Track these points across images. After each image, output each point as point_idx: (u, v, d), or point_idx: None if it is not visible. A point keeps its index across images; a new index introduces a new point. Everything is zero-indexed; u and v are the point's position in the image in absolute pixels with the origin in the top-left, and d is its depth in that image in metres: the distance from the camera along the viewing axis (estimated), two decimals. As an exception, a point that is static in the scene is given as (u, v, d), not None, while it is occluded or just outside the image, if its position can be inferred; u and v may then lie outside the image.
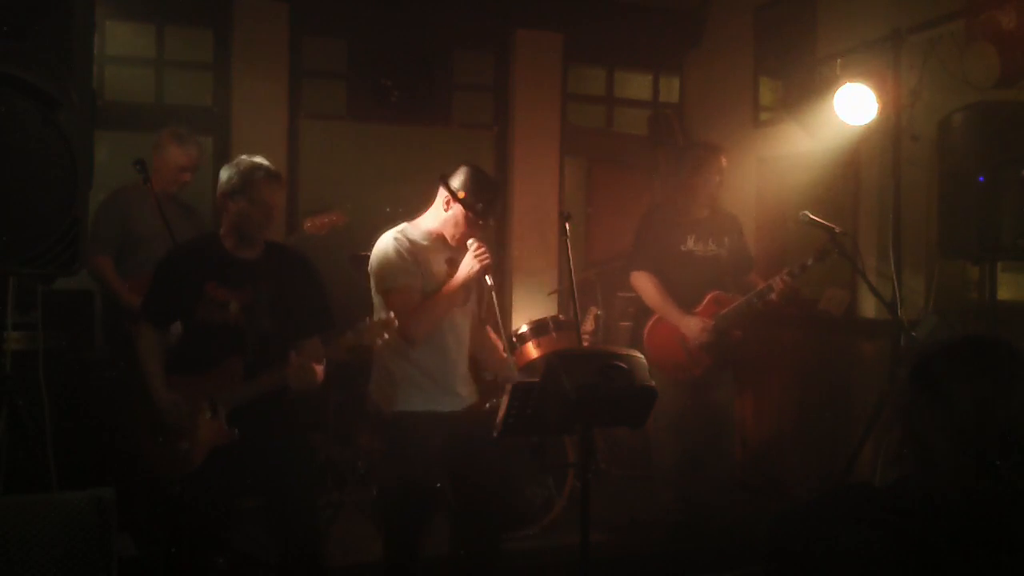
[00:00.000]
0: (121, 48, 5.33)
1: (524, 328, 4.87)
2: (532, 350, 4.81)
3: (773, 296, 4.26)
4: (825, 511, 1.63)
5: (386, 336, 3.18)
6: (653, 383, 2.90)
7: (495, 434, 2.94)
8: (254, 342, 3.20)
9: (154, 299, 3.30)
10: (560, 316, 5.08)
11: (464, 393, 3.56)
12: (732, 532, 4.48)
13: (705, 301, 4.46)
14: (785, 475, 5.34)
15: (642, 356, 2.93)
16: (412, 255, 3.44)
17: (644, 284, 4.55)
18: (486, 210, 3.45)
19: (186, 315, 3.23)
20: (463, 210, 3.42)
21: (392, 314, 3.27)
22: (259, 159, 3.28)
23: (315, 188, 5.79)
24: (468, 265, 3.40)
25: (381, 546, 3.61)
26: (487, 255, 3.39)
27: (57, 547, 2.05)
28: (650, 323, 4.54)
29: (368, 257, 4.67)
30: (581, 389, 2.72)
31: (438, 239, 3.51)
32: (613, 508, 4.70)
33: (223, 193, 3.24)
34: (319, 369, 3.17)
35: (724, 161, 4.57)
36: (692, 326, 4.41)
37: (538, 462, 4.42)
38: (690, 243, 4.55)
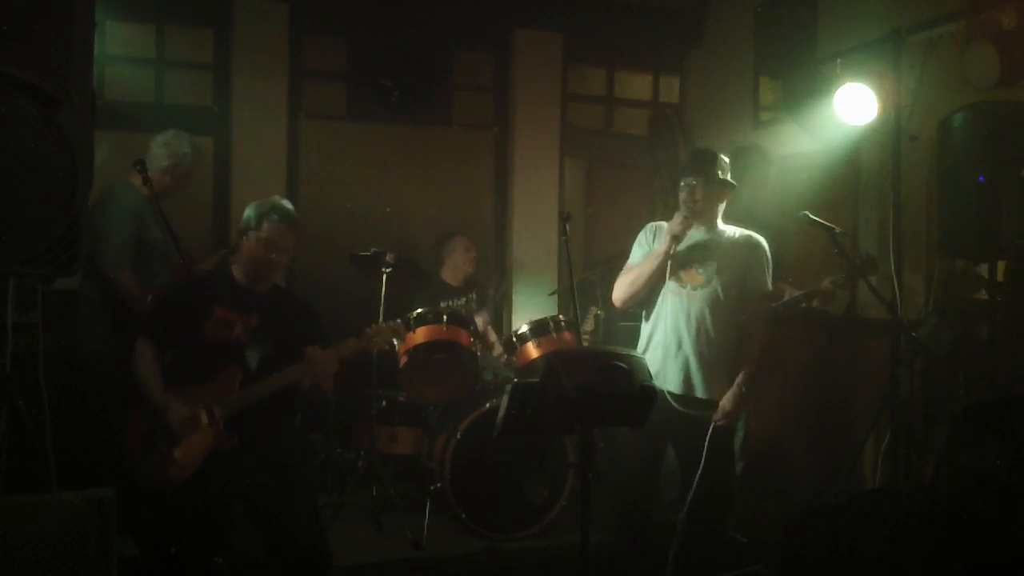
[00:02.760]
0: (121, 48, 5.32)
1: (524, 328, 4.86)
2: (532, 350, 4.79)
3: (815, 304, 4.32)
4: (850, 515, 1.61)
5: (395, 341, 3.22)
6: (653, 383, 2.91)
7: (495, 434, 2.94)
8: (255, 360, 3.27)
9: (160, 322, 3.37)
10: (560, 316, 5.07)
11: None
12: (732, 532, 4.47)
13: None
14: (785, 475, 5.33)
15: (642, 356, 2.94)
16: None
17: None
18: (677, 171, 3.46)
19: (191, 336, 3.26)
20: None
21: (399, 321, 3.35)
22: (283, 202, 3.38)
23: (315, 188, 5.80)
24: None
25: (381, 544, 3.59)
26: (677, 218, 3.42)
27: (57, 547, 2.05)
28: None
29: (367, 257, 4.70)
30: (581, 389, 2.72)
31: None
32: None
33: (240, 230, 3.38)
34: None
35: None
36: None
37: (538, 462, 4.43)
38: None
